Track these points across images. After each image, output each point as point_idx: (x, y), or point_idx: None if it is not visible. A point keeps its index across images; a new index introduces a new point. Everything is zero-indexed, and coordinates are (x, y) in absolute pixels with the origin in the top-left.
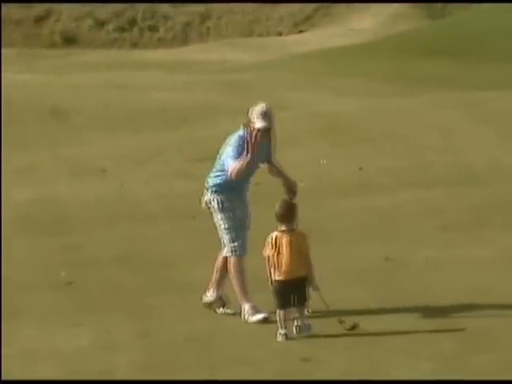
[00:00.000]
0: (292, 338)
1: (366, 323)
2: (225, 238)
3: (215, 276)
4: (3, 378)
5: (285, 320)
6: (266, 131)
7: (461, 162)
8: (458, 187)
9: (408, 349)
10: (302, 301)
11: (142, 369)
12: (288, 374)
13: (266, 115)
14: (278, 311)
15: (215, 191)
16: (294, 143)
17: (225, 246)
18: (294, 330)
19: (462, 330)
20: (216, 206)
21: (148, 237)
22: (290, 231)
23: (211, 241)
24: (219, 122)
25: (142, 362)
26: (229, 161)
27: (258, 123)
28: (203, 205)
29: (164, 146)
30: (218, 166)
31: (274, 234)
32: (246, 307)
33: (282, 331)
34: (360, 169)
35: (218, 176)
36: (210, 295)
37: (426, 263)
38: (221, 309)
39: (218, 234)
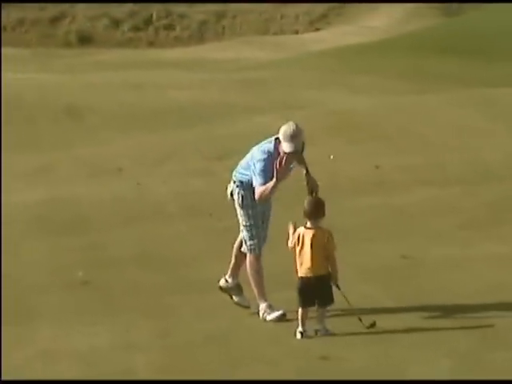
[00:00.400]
0: (310, 337)
1: (383, 321)
2: (244, 234)
3: (232, 262)
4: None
5: (305, 318)
6: (295, 153)
7: (476, 159)
8: (473, 185)
9: (425, 346)
10: (324, 302)
11: (161, 368)
12: (307, 372)
13: (294, 137)
14: (299, 309)
15: (239, 186)
16: (310, 141)
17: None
18: (314, 332)
19: (479, 327)
20: (238, 200)
21: (165, 236)
22: (316, 229)
23: (228, 239)
24: (236, 121)
25: (161, 361)
26: (258, 179)
27: (286, 147)
28: (228, 195)
29: (181, 144)
30: (246, 165)
31: (301, 229)
32: (264, 306)
33: (301, 329)
34: (376, 167)
35: (245, 175)
36: (227, 281)
37: (443, 261)
38: (236, 297)
39: (235, 232)
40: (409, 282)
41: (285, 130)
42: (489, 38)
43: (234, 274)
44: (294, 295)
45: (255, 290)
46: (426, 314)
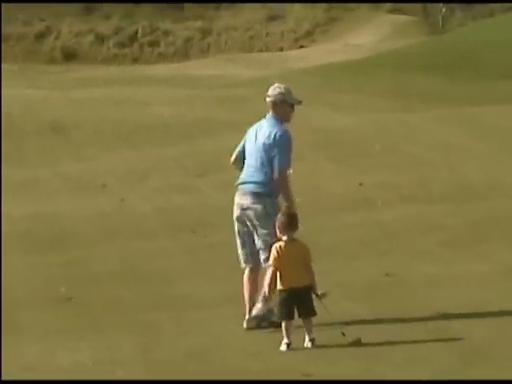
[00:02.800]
0: (295, 351)
1: (367, 337)
2: (265, 244)
3: (248, 299)
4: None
5: (289, 330)
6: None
7: (460, 177)
8: (456, 203)
9: (408, 363)
10: (307, 313)
11: None
12: None
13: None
14: (282, 322)
15: (260, 195)
16: (293, 158)
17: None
18: (309, 343)
19: (462, 344)
20: (262, 210)
21: (148, 252)
22: (294, 241)
23: (211, 255)
24: (219, 137)
25: (142, 377)
26: (285, 160)
27: (295, 99)
28: (237, 211)
29: (164, 160)
30: (264, 169)
31: (278, 244)
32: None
33: (286, 340)
34: (360, 184)
35: (262, 182)
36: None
37: (425, 278)
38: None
39: (217, 248)
40: (392, 299)
41: (285, 87)
42: (474, 56)
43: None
44: None
45: (263, 294)
46: (408, 331)
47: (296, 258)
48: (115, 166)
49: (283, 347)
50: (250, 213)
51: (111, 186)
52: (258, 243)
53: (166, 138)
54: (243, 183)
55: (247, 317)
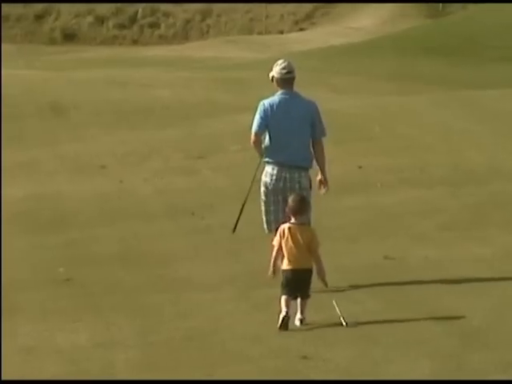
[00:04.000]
0: (292, 333)
1: (365, 320)
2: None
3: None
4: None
5: (289, 304)
6: None
7: (460, 161)
8: (457, 186)
9: (406, 346)
10: (307, 295)
11: (141, 366)
12: (287, 372)
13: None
14: (282, 297)
15: (305, 169)
16: None
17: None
18: (298, 322)
19: (461, 327)
20: (307, 183)
21: (147, 234)
22: (300, 225)
23: (210, 237)
24: (219, 119)
25: (141, 359)
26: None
27: None
28: (281, 184)
29: (164, 142)
30: (306, 143)
31: (286, 225)
32: None
33: (283, 313)
34: (359, 167)
35: (308, 157)
36: None
37: (426, 261)
38: None
39: (216, 230)
40: (391, 282)
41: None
42: (475, 39)
43: None
44: (274, 293)
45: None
46: (407, 314)
47: (300, 242)
48: (115, 148)
49: (281, 316)
50: (295, 185)
51: (111, 167)
52: None
53: (166, 120)
54: (282, 157)
55: None
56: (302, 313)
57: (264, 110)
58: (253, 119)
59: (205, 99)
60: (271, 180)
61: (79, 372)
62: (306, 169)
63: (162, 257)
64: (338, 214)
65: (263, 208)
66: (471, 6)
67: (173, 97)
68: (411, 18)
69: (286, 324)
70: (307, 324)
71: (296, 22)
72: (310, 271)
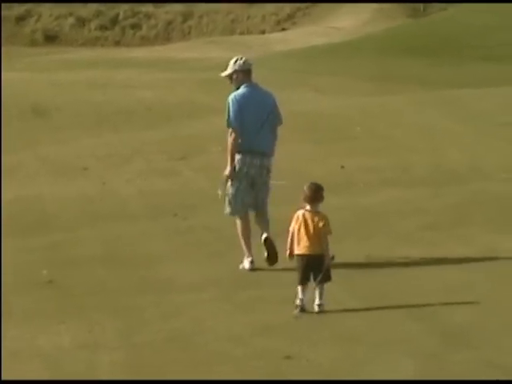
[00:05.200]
0: (276, 334)
1: (347, 320)
2: (266, 200)
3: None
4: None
5: (305, 290)
6: None
7: (442, 160)
8: (438, 186)
9: (389, 346)
10: (321, 279)
11: (124, 368)
12: (270, 373)
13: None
14: (298, 285)
15: (271, 156)
16: (278, 142)
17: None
18: (317, 308)
19: (443, 326)
20: (270, 171)
21: (130, 235)
22: (315, 212)
23: (193, 238)
24: (201, 121)
25: (124, 361)
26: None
27: None
28: (264, 172)
29: (146, 144)
30: (271, 131)
31: (301, 211)
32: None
33: (298, 302)
34: (341, 167)
35: (274, 141)
36: None
37: (407, 261)
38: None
39: (199, 231)
40: (373, 281)
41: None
42: (455, 39)
43: None
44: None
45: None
46: (389, 314)
47: (313, 229)
48: (97, 149)
49: (295, 310)
50: (264, 171)
51: (93, 169)
52: (263, 194)
53: (148, 122)
54: (255, 145)
55: (251, 258)
56: (320, 298)
57: (237, 104)
58: (227, 115)
59: (187, 100)
60: (244, 167)
61: (63, 374)
62: (270, 155)
63: (144, 258)
64: None
65: (232, 192)
66: (451, 7)
67: (155, 98)
68: (392, 19)
69: (301, 310)
70: (291, 324)
71: (278, 22)
72: (321, 257)
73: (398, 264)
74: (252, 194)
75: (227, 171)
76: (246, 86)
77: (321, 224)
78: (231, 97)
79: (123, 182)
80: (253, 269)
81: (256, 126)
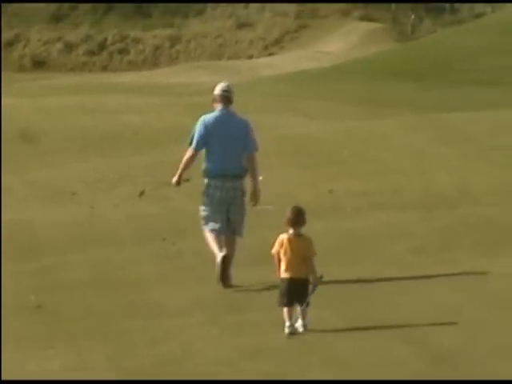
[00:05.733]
0: (266, 356)
1: (337, 343)
2: (242, 222)
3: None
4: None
5: (291, 314)
6: None
7: (430, 184)
8: (427, 210)
9: (379, 368)
10: (303, 301)
11: None
12: None
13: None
14: (284, 309)
15: (244, 176)
16: (263, 166)
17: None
18: (302, 328)
19: (432, 349)
20: (243, 195)
21: (118, 260)
22: (298, 236)
23: (181, 263)
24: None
25: None
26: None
27: None
28: (237, 194)
29: (134, 168)
30: (241, 155)
31: (284, 235)
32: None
33: (288, 323)
34: (330, 191)
35: (243, 168)
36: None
37: (397, 285)
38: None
39: (187, 256)
40: (362, 306)
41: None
42: (443, 63)
43: None
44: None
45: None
46: (379, 337)
47: (297, 252)
48: (85, 174)
49: (287, 330)
50: (238, 193)
51: (81, 194)
52: (238, 216)
53: (136, 146)
54: (225, 169)
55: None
56: (303, 319)
57: (205, 127)
58: (192, 133)
59: (174, 125)
60: (216, 191)
61: None
62: (243, 177)
63: (133, 282)
64: None
65: (204, 215)
66: (440, 30)
67: (142, 123)
68: (380, 42)
69: (293, 334)
70: (280, 347)
71: (265, 47)
72: (306, 281)
73: (388, 287)
74: (225, 217)
75: (174, 179)
76: (220, 110)
77: (305, 246)
78: (201, 118)
79: (112, 207)
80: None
81: (226, 151)
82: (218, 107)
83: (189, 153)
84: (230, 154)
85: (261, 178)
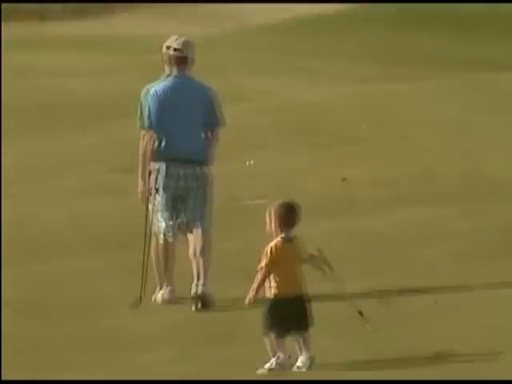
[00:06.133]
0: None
1: (354, 373)
2: (209, 213)
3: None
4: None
5: (278, 345)
6: None
7: (477, 168)
8: (472, 203)
9: None
10: (304, 325)
11: None
12: None
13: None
14: (267, 335)
15: (205, 163)
16: (258, 146)
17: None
18: (308, 362)
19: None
20: (208, 180)
21: (65, 274)
22: (293, 239)
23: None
24: None
25: None
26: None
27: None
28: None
29: (79, 151)
30: (201, 134)
31: (272, 243)
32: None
33: (275, 359)
34: (343, 179)
35: (203, 148)
36: None
37: (430, 304)
38: None
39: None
40: (386, 335)
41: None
42: (491, 8)
43: None
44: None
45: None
46: (406, 373)
47: (293, 262)
48: (15, 160)
49: (273, 366)
50: (196, 182)
51: (12, 185)
52: (199, 212)
53: (82, 121)
54: (182, 153)
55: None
56: (308, 350)
57: (156, 99)
58: (140, 110)
59: (132, 92)
60: (170, 179)
61: None
62: (203, 163)
63: (85, 304)
64: (314, 242)
65: (160, 210)
66: None
67: (90, 90)
68: None
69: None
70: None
71: None
72: (304, 298)
73: (421, 309)
74: (181, 212)
75: (139, 187)
76: (174, 77)
77: (301, 253)
78: (147, 88)
79: (52, 203)
80: (172, 299)
81: (182, 127)
82: (171, 71)
83: (145, 138)
84: (188, 132)
85: (252, 161)
